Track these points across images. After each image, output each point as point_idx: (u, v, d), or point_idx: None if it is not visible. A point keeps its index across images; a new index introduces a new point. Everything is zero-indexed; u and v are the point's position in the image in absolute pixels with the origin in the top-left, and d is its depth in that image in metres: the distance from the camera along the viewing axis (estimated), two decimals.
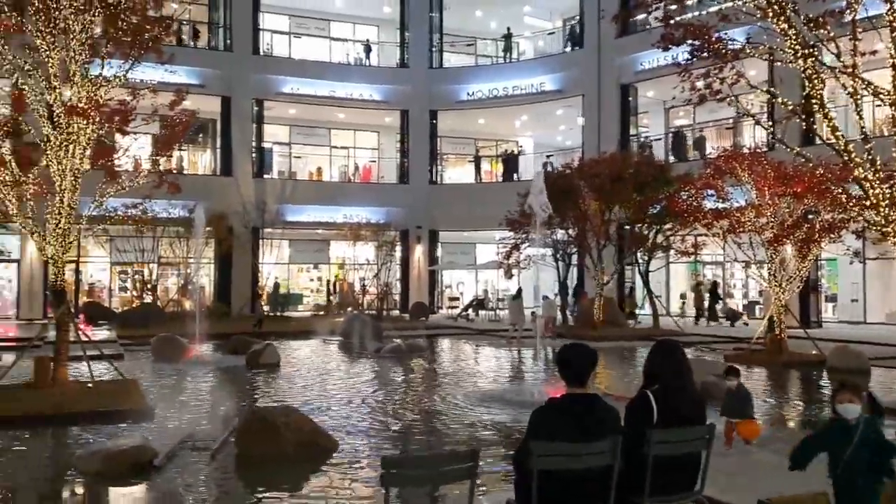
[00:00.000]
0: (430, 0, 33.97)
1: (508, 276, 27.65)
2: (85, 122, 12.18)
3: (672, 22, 12.66)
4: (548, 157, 33.29)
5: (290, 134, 34.56)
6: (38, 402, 10.54)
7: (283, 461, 7.67)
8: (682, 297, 30.39)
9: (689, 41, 12.55)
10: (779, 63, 13.42)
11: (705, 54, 12.52)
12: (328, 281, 33.52)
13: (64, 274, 12.92)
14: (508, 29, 34.25)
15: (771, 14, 11.48)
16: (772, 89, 14.03)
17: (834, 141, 11.46)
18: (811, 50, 11.56)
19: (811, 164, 14.07)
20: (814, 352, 16.86)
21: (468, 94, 33.56)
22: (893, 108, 10.97)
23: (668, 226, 23.65)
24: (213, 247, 29.26)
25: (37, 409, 10.14)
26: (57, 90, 12.26)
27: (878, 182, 11.22)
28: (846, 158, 11.48)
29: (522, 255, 25.86)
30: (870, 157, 11.26)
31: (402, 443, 9.18)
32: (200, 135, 31.83)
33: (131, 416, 9.87)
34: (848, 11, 11.51)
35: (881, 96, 11.05)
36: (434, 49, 34.32)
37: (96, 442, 8.42)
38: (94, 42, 12.56)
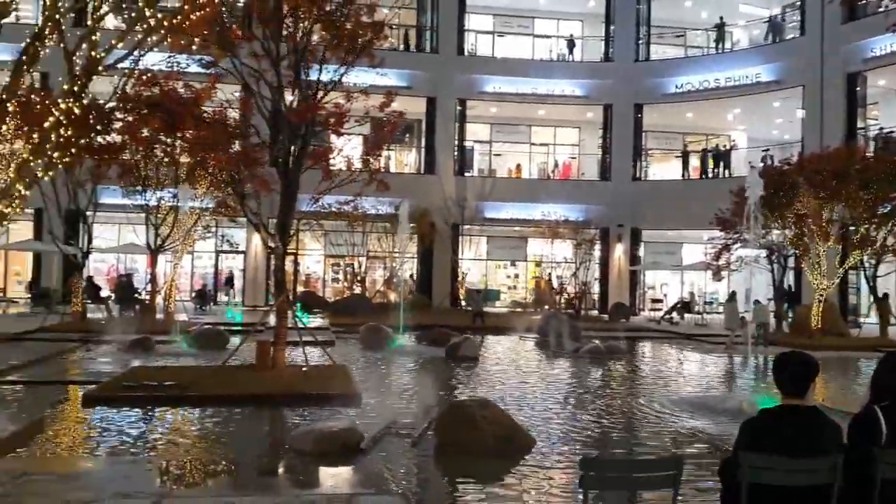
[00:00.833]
0: None
1: (717, 278, 26.28)
2: (304, 124, 13.04)
3: None
4: (765, 150, 31.29)
5: (490, 132, 35.07)
6: (259, 384, 11.44)
7: (481, 453, 7.77)
8: None
9: None
10: None
11: None
12: (537, 278, 33.50)
13: (284, 264, 13.94)
14: (721, 18, 32.56)
15: None
16: None
17: None
18: None
19: None
20: None
21: (676, 86, 32.28)
22: None
23: None
24: (416, 242, 30.41)
25: (257, 391, 11.01)
26: (280, 95, 13.23)
27: None
28: None
29: (733, 257, 24.49)
30: None
31: (600, 445, 8.97)
32: (407, 135, 33.15)
33: (341, 400, 10.44)
34: None
35: None
36: (640, 42, 33.37)
37: (309, 423, 8.99)
38: (313, 48, 13.43)
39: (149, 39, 6.27)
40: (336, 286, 32.42)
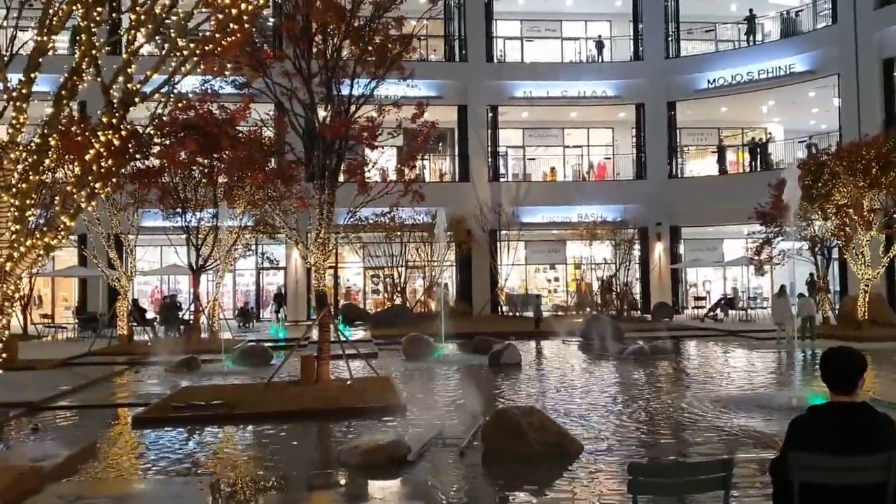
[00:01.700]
0: None
1: (760, 272, 25.85)
2: (338, 139, 13.18)
3: None
4: (810, 138, 30.76)
5: (523, 137, 35.02)
6: (305, 399, 11.55)
7: (529, 461, 7.74)
8: None
9: None
10: None
11: None
12: (578, 281, 33.29)
13: (325, 279, 14.08)
14: (751, 10, 32.11)
15: None
16: None
17: None
18: None
19: None
20: None
21: (709, 81, 31.90)
22: None
23: None
24: (454, 249, 30.46)
25: (303, 405, 11.12)
26: (313, 111, 13.40)
27: None
28: None
29: (775, 250, 24.09)
30: None
31: (649, 449, 8.88)
32: (440, 143, 33.26)
33: (386, 413, 10.50)
34: None
35: None
36: (670, 38, 33.06)
37: (356, 436, 9.04)
38: (344, 63, 13.58)
39: (182, 68, 6.39)
40: (376, 297, 32.59)
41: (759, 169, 31.43)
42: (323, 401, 11.40)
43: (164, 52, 6.00)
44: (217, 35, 6.10)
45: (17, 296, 6.33)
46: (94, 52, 5.60)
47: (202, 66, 6.67)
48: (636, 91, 32.69)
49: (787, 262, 23.17)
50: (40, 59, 5.86)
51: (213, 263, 22.21)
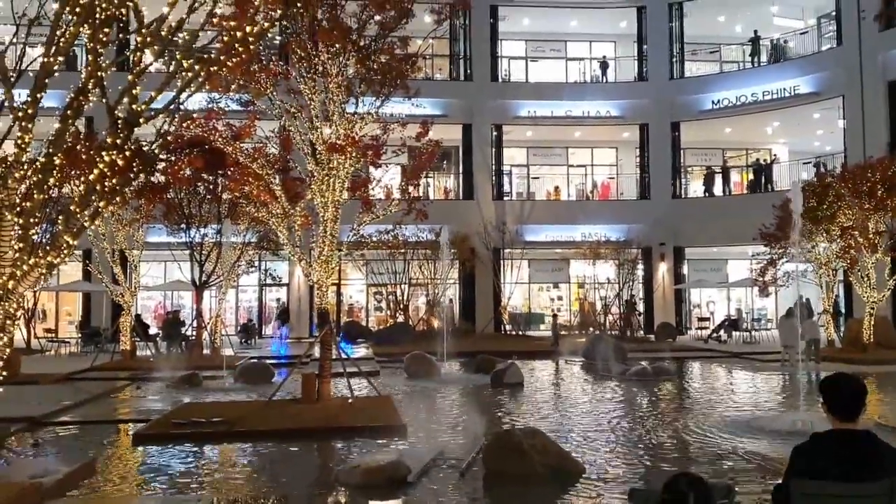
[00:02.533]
0: (670, 10, 32.96)
1: (764, 294, 25.77)
2: (343, 157, 13.21)
3: None
4: (817, 158, 30.78)
5: (527, 155, 35.10)
6: (306, 417, 11.52)
7: (530, 483, 7.70)
8: None
9: None
10: None
11: None
12: (582, 300, 33.23)
13: (327, 296, 14.07)
14: (755, 32, 32.27)
15: None
16: None
17: None
18: None
19: None
20: None
21: (713, 102, 31.99)
22: None
23: None
24: (458, 267, 30.46)
25: (304, 424, 11.08)
26: (318, 129, 13.45)
27: None
28: None
29: (780, 272, 24.03)
30: None
31: (651, 473, 8.82)
32: (444, 162, 33.35)
33: (387, 432, 10.45)
34: None
35: None
36: (675, 59, 33.19)
37: (356, 456, 9.01)
38: (349, 82, 13.63)
39: (188, 88, 6.42)
40: (379, 315, 32.57)
41: (763, 189, 31.44)
42: (324, 419, 11.36)
43: (170, 71, 6.04)
44: (223, 57, 6.13)
45: (18, 313, 6.33)
46: (100, 73, 5.64)
47: (208, 86, 6.70)
48: (640, 111, 32.80)
49: (791, 284, 23.09)
50: (47, 80, 5.90)
51: (217, 279, 22.24)
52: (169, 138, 6.50)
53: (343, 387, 13.96)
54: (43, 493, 7.11)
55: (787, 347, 19.54)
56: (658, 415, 12.81)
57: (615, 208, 33.09)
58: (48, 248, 5.87)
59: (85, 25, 5.80)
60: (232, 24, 6.05)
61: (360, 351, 23.46)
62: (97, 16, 5.70)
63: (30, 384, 15.51)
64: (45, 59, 5.89)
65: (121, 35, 9.17)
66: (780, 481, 3.95)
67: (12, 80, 6.07)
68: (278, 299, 31.83)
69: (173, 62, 6.27)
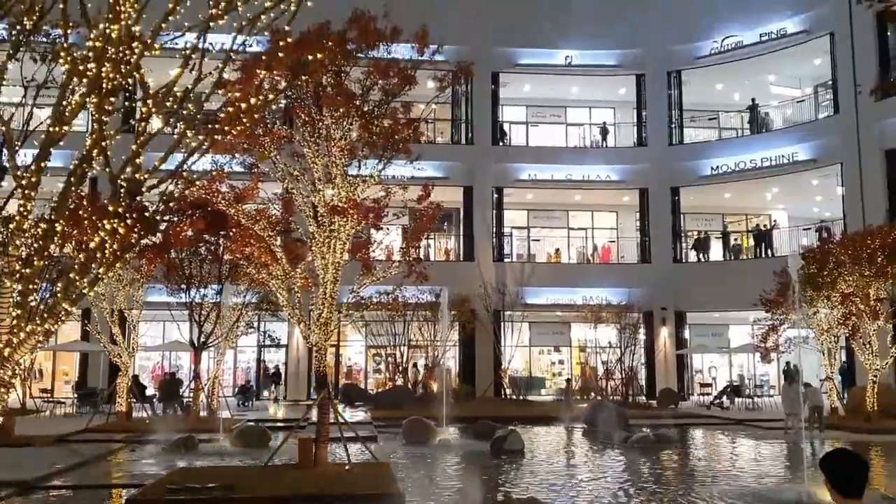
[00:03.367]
0: (668, 78, 33.53)
1: (766, 360, 25.57)
2: (345, 219, 13.27)
3: None
4: (821, 222, 30.92)
5: (528, 218, 35.25)
6: (302, 484, 11.29)
7: None
8: None
9: None
10: None
11: None
12: (583, 365, 32.90)
13: (326, 358, 13.96)
14: (753, 100, 32.78)
15: None
16: None
17: None
18: None
19: None
20: None
21: (712, 168, 32.26)
22: None
23: None
24: (458, 329, 30.26)
25: (300, 490, 10.86)
26: (321, 192, 13.54)
27: None
28: None
29: (781, 338, 23.88)
30: None
31: None
32: (445, 223, 33.48)
33: (384, 501, 10.24)
34: None
35: None
36: (674, 126, 33.63)
37: None
38: (352, 146, 13.78)
39: (191, 157, 6.48)
40: (378, 377, 32.24)
41: (764, 255, 31.47)
42: (320, 486, 11.13)
43: (174, 135, 6.11)
44: (227, 127, 6.20)
45: (14, 381, 6.25)
46: (104, 142, 5.70)
47: (212, 150, 6.76)
48: (640, 176, 33.07)
49: (793, 350, 22.92)
50: (51, 150, 5.96)
51: (215, 340, 22.09)
52: (171, 204, 6.52)
53: (341, 452, 13.72)
54: None
55: (790, 415, 19.28)
56: (661, 484, 12.55)
57: (616, 271, 33.07)
58: (45, 315, 5.84)
59: (91, 95, 5.88)
60: (237, 94, 6.12)
61: (359, 415, 23.16)
62: (104, 86, 5.79)
63: (24, 446, 15.27)
64: (52, 130, 5.96)
65: (126, 103, 9.30)
66: None
67: (17, 147, 6.13)
68: (264, 361, 31.54)
69: (178, 127, 6.34)
